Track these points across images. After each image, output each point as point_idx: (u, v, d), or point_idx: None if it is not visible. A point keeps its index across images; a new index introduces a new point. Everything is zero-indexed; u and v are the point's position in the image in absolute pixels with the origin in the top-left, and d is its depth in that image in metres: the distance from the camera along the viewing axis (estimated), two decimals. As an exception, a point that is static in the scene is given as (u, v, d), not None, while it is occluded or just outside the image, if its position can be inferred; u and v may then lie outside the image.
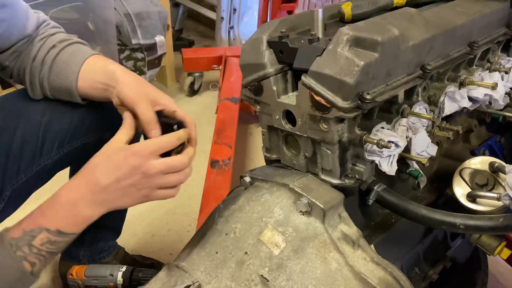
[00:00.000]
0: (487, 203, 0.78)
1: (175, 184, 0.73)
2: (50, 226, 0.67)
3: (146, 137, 0.76)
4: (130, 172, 0.68)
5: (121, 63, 2.15)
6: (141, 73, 2.25)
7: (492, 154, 1.03)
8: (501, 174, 0.80)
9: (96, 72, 0.86)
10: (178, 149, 0.74)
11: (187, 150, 0.75)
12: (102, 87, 0.85)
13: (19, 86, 0.98)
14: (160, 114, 0.78)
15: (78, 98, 0.90)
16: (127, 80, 0.81)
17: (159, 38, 2.19)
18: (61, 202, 0.69)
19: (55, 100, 0.93)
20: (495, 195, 0.76)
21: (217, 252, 0.72)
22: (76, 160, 1.05)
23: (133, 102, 0.76)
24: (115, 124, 0.91)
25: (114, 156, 0.69)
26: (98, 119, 0.98)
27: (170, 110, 0.79)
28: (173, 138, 0.73)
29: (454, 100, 0.86)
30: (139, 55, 2.20)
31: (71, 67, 0.86)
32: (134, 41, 2.11)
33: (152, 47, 2.21)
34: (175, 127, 0.76)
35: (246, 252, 0.71)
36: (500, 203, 0.75)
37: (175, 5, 3.03)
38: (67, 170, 1.09)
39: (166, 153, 0.72)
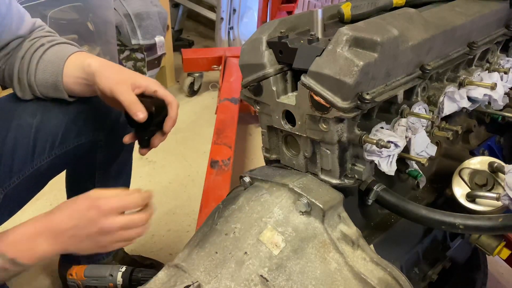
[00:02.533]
0: (486, 203, 0.78)
1: (132, 239, 0.73)
2: (8, 253, 0.67)
3: (131, 122, 0.80)
4: (87, 224, 0.69)
5: (120, 63, 2.15)
6: (140, 73, 2.25)
7: (492, 154, 1.03)
8: (500, 174, 0.80)
9: (76, 67, 0.87)
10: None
11: (148, 208, 0.74)
12: (83, 82, 0.86)
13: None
14: (142, 95, 0.80)
15: (64, 94, 0.90)
16: (103, 70, 0.82)
17: (158, 39, 2.20)
18: (24, 232, 0.69)
19: (46, 101, 0.93)
20: (494, 195, 0.76)
21: (216, 252, 0.72)
22: (70, 163, 1.05)
23: (112, 90, 0.78)
24: (108, 124, 0.92)
25: (80, 204, 0.70)
26: (91, 119, 0.99)
27: (150, 91, 0.81)
28: (137, 199, 0.72)
29: (454, 100, 0.87)
30: (138, 55, 2.20)
31: (56, 63, 0.87)
32: (133, 42, 2.11)
33: (151, 48, 2.21)
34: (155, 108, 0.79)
35: (245, 252, 0.71)
36: (499, 203, 0.75)
37: (175, 5, 3.03)
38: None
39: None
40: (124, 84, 0.78)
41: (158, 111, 0.82)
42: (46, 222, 0.70)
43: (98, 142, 0.87)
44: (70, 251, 0.71)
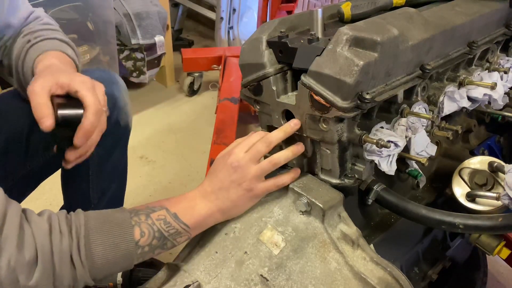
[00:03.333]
0: (486, 202, 0.78)
1: (269, 169, 0.74)
2: (170, 207, 0.71)
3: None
4: (223, 168, 0.73)
5: (120, 63, 2.15)
6: (140, 73, 2.25)
7: (491, 153, 1.03)
8: (500, 174, 0.80)
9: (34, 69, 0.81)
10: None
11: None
12: None
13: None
14: (68, 97, 0.68)
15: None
16: (41, 72, 0.75)
17: (158, 38, 2.19)
18: (186, 195, 0.74)
19: None
20: (494, 194, 0.76)
21: (216, 252, 0.72)
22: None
23: (28, 90, 0.68)
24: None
25: (216, 160, 0.75)
26: None
27: (72, 91, 0.68)
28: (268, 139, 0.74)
29: (454, 100, 0.87)
30: (138, 55, 2.20)
31: (30, 65, 0.83)
32: (133, 41, 2.11)
33: (151, 47, 2.21)
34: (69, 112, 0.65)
35: (245, 252, 0.71)
36: (499, 203, 0.75)
37: (174, 5, 3.02)
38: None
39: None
40: (39, 84, 0.66)
41: (66, 122, 0.66)
42: (198, 189, 0.74)
43: None
44: (225, 209, 0.73)
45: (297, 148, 0.75)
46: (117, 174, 1.15)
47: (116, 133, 1.04)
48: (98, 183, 1.10)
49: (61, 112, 0.64)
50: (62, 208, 1.13)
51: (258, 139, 0.74)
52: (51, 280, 0.62)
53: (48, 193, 1.65)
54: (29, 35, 0.87)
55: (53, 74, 0.70)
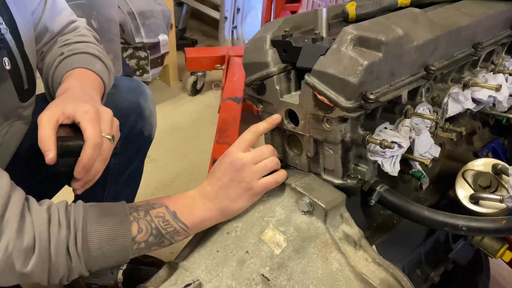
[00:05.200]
0: (490, 205, 0.77)
1: (271, 169, 0.75)
2: (170, 205, 0.72)
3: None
4: (224, 169, 0.74)
5: (124, 61, 2.15)
6: (144, 71, 2.26)
7: (496, 156, 1.02)
8: (504, 176, 0.79)
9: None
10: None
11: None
12: None
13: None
14: (67, 126, 0.69)
15: None
16: (51, 103, 0.74)
17: (162, 37, 2.19)
18: (186, 194, 0.75)
19: None
20: (498, 197, 0.75)
21: (218, 251, 0.72)
22: None
23: (38, 123, 0.68)
24: (124, 132, 0.88)
25: (216, 163, 0.76)
26: None
27: (76, 122, 0.68)
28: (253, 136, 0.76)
29: (458, 102, 0.86)
30: (142, 53, 2.20)
31: (58, 80, 0.85)
32: (137, 40, 2.11)
33: (155, 46, 2.21)
34: (71, 142, 0.66)
35: (247, 251, 0.71)
36: (503, 205, 0.75)
37: (178, 4, 3.03)
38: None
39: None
40: (46, 116, 0.67)
41: (66, 152, 0.65)
42: (198, 189, 0.76)
43: (114, 149, 0.84)
44: (225, 208, 0.73)
45: (272, 119, 0.77)
46: (132, 181, 1.15)
47: (139, 143, 1.05)
48: (114, 188, 1.10)
49: (61, 143, 0.65)
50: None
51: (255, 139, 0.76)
52: (46, 268, 0.63)
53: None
54: (64, 47, 0.89)
55: (64, 102, 0.70)
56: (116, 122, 0.73)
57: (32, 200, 0.65)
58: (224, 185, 0.73)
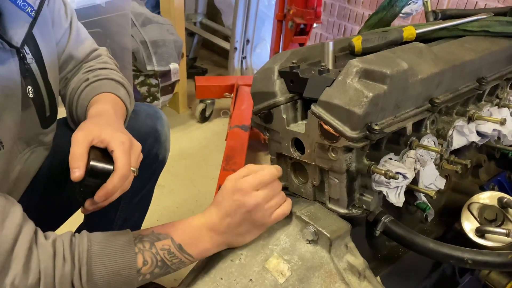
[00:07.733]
0: (496, 238, 0.77)
1: (279, 205, 0.75)
2: (175, 237, 0.71)
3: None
4: (236, 208, 0.71)
5: (135, 88, 2.19)
6: (154, 98, 2.30)
7: (502, 189, 1.02)
8: (510, 210, 0.79)
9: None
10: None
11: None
12: None
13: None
14: (97, 149, 0.70)
15: None
16: (88, 119, 0.79)
17: (173, 66, 2.24)
18: (191, 223, 0.73)
19: None
20: (504, 231, 0.75)
21: (221, 278, 0.72)
22: None
23: (72, 139, 0.70)
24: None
25: (225, 192, 0.73)
26: None
27: (109, 149, 0.70)
28: (270, 172, 0.73)
29: (463, 134, 0.87)
30: (153, 81, 2.24)
31: (84, 105, 0.88)
32: (149, 68, 2.16)
33: (166, 74, 2.26)
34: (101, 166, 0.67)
35: (251, 279, 0.71)
36: (509, 239, 0.74)
37: (190, 34, 3.11)
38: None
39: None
40: (82, 134, 0.69)
41: (94, 173, 0.67)
42: (205, 219, 0.73)
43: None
44: (233, 241, 0.74)
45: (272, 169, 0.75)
46: (143, 204, 1.15)
47: (153, 167, 1.06)
48: (125, 211, 1.10)
49: (93, 163, 0.67)
50: (80, 226, 1.13)
51: (268, 176, 0.74)
52: None
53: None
54: (88, 73, 0.92)
55: (100, 125, 0.73)
56: (141, 156, 0.75)
57: (40, 233, 0.66)
58: (235, 223, 0.72)
